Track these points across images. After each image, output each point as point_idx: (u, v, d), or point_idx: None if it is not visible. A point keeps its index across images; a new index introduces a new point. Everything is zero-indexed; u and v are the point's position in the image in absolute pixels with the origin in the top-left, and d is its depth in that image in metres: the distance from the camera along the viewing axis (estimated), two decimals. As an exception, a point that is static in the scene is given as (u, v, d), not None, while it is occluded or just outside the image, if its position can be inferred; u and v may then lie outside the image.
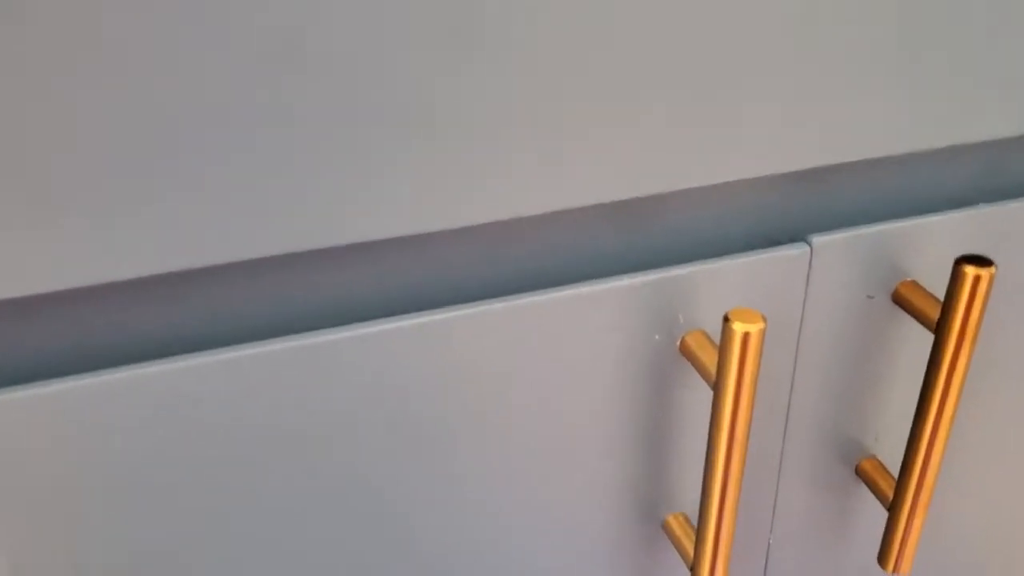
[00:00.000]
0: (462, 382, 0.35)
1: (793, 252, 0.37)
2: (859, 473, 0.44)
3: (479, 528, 0.39)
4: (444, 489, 0.37)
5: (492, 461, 0.37)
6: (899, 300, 0.40)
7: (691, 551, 0.40)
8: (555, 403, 0.37)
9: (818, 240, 0.38)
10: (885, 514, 0.46)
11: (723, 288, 0.37)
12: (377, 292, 0.34)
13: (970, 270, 0.36)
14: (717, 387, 0.35)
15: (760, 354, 0.34)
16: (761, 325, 0.33)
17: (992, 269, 0.36)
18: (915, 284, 0.40)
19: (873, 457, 0.44)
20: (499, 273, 0.36)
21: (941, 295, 0.40)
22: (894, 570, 0.42)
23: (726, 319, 0.33)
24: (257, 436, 0.33)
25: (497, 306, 0.34)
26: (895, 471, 0.44)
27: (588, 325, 0.36)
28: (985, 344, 0.43)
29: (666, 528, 0.41)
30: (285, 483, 0.34)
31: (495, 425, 0.36)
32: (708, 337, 0.37)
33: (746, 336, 0.33)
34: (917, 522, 0.41)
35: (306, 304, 0.34)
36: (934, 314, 0.38)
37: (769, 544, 0.44)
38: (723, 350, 0.34)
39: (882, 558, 0.42)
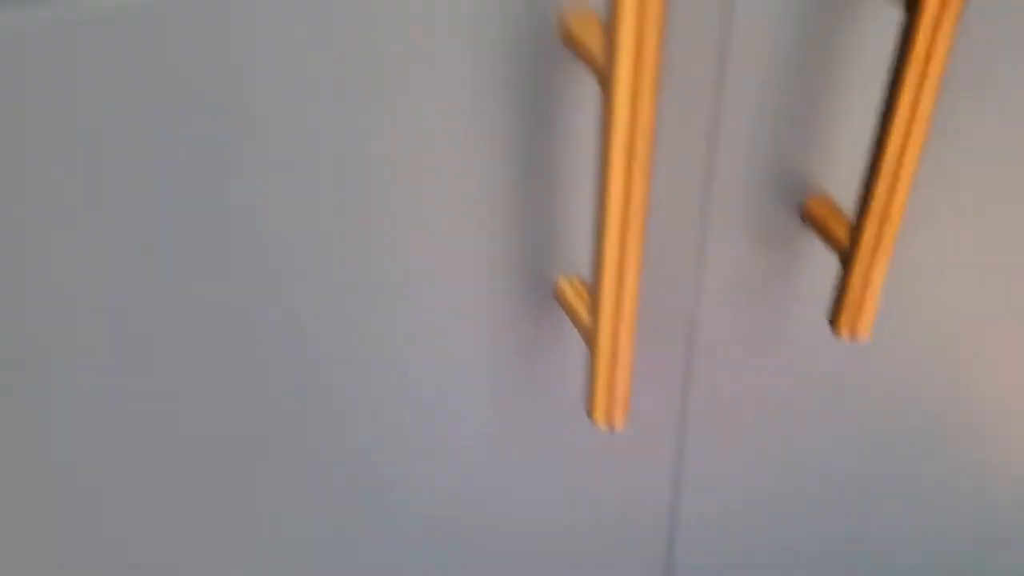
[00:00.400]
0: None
1: None
2: (806, 216, 0.38)
3: (333, 313, 0.31)
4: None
5: (326, 216, 0.29)
6: (861, -37, 0.31)
7: (587, 319, 0.33)
8: (394, 137, 0.29)
9: None
10: (837, 266, 0.40)
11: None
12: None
13: None
14: (607, 78, 0.27)
15: (664, 25, 0.26)
16: (665, -27, 0.24)
17: None
18: (883, -59, 0.31)
19: (823, 195, 0.38)
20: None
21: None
22: (850, 333, 0.37)
23: (614, -31, 0.24)
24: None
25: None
26: (851, 211, 0.38)
27: (421, 10, 0.27)
28: (971, 25, 0.35)
29: (558, 294, 0.35)
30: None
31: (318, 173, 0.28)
32: (599, 19, 0.29)
33: (644, -5, 0.24)
34: (877, 273, 0.35)
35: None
36: (908, -23, 0.29)
37: (695, 308, 0.39)
38: (614, 20, 0.25)
39: (835, 319, 0.37)
